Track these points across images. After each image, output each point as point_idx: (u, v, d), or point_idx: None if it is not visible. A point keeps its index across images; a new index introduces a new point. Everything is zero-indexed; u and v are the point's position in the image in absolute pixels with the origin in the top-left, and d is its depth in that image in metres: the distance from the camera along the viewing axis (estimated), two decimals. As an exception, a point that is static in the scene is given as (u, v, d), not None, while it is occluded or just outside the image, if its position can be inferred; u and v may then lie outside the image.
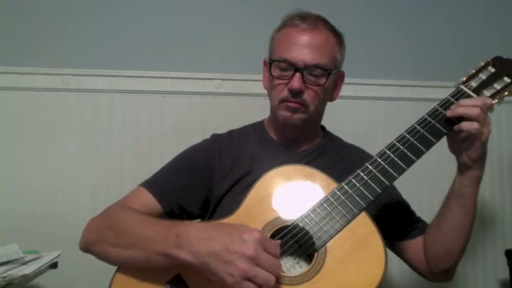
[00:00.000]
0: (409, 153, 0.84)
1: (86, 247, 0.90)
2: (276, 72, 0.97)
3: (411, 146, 0.84)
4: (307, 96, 0.96)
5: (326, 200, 0.83)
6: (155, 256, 0.78)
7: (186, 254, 0.74)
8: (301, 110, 0.97)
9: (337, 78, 1.04)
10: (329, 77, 0.97)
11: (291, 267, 0.83)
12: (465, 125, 0.82)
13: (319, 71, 0.95)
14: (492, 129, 0.84)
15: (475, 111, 0.82)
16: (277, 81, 0.97)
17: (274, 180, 0.87)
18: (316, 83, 0.96)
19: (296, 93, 0.94)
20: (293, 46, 0.95)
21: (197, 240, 0.75)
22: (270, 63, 0.98)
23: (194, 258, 0.74)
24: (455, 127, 0.84)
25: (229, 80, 1.52)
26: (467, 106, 0.83)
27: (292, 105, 0.96)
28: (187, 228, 0.78)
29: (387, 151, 0.85)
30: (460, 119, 0.83)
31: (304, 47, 0.94)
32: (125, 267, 0.84)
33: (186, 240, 0.75)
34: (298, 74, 0.93)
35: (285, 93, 0.96)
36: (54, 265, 1.11)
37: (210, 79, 1.51)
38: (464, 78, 0.91)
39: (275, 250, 0.73)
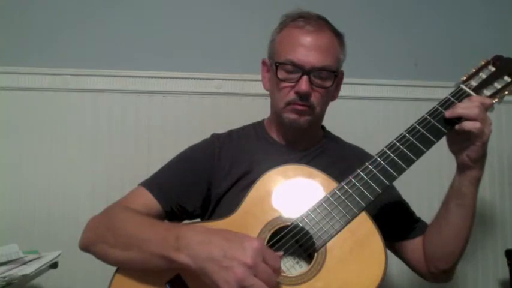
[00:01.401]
0: (409, 153, 0.84)
1: (86, 247, 0.90)
2: (281, 74, 0.96)
3: (411, 145, 0.84)
4: (314, 98, 0.96)
5: (326, 199, 0.83)
6: (153, 258, 0.78)
7: (185, 257, 0.74)
8: (308, 112, 0.97)
9: (338, 79, 1.03)
10: (335, 79, 0.97)
11: (291, 267, 0.83)
12: (467, 125, 0.82)
13: (326, 73, 0.95)
14: (492, 129, 0.84)
15: (474, 111, 0.81)
16: (282, 84, 0.97)
17: (274, 180, 0.87)
18: (322, 86, 0.96)
19: (304, 97, 0.94)
20: (299, 48, 0.94)
21: (197, 243, 0.74)
22: (276, 66, 0.97)
23: (192, 262, 0.73)
24: (457, 126, 0.83)
25: (229, 80, 1.52)
26: (466, 107, 0.83)
27: (300, 108, 0.96)
28: (187, 231, 0.77)
29: (387, 151, 0.85)
30: (460, 118, 0.83)
31: (310, 49, 0.94)
32: (124, 268, 0.84)
33: (185, 242, 0.75)
34: (305, 77, 0.93)
35: (291, 95, 0.96)
36: (54, 265, 1.11)
37: (210, 79, 1.51)
38: (465, 78, 0.91)
39: (275, 262, 0.72)
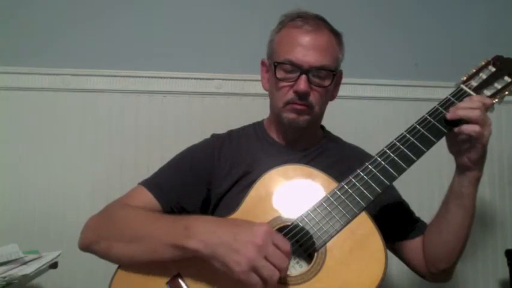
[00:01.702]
0: (409, 153, 0.84)
1: (86, 246, 0.90)
2: (280, 74, 0.96)
3: (411, 145, 0.84)
4: (313, 98, 0.96)
5: (326, 199, 0.83)
6: (162, 248, 0.78)
7: (196, 242, 0.75)
8: (307, 111, 0.97)
9: (337, 78, 1.04)
10: (333, 78, 0.97)
11: (291, 267, 0.83)
12: (466, 128, 0.81)
13: (324, 72, 0.95)
14: (492, 129, 0.83)
15: (475, 114, 0.81)
16: (281, 84, 0.97)
17: (274, 180, 0.87)
18: (321, 85, 0.96)
19: (302, 96, 0.94)
20: (297, 48, 0.94)
21: (206, 231, 0.75)
22: (274, 66, 0.97)
23: (203, 247, 0.74)
24: (456, 129, 0.83)
25: (229, 80, 1.52)
26: (467, 108, 0.82)
27: (299, 107, 0.96)
28: (195, 220, 0.79)
29: (387, 151, 0.85)
30: (461, 120, 0.83)
31: (308, 49, 0.94)
32: (126, 264, 0.84)
33: (195, 230, 0.76)
34: (304, 76, 0.93)
35: (290, 95, 0.96)
36: (54, 265, 1.11)
37: (210, 79, 1.51)
38: (465, 78, 0.91)
39: (284, 245, 0.73)
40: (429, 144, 0.84)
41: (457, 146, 0.86)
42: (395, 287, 1.54)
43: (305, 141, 1.04)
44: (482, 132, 0.81)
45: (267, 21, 1.04)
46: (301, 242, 0.82)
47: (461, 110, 0.83)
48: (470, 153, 0.84)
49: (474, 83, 0.89)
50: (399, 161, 0.83)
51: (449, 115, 0.84)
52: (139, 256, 0.82)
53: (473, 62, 0.93)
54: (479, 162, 0.86)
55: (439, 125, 0.85)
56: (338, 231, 0.80)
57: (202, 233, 0.75)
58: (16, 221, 1.38)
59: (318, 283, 0.76)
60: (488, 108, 0.84)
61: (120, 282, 0.83)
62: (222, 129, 1.11)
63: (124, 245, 0.83)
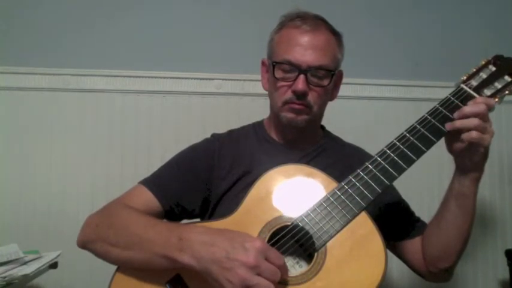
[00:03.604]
0: (409, 153, 0.83)
1: (84, 244, 0.89)
2: (278, 74, 0.97)
3: (411, 145, 0.84)
4: (311, 97, 0.96)
5: (326, 199, 0.83)
6: (156, 258, 0.78)
7: (188, 258, 0.74)
8: (306, 111, 0.97)
9: (337, 78, 1.04)
10: (332, 78, 0.97)
11: (291, 267, 0.83)
12: (464, 136, 0.82)
13: (323, 72, 0.95)
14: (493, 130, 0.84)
15: (473, 123, 0.80)
16: (280, 83, 0.97)
17: (274, 180, 0.87)
18: (319, 85, 0.96)
19: (300, 96, 0.94)
20: (296, 47, 0.94)
21: (199, 244, 0.75)
22: (273, 65, 0.97)
23: (196, 263, 0.74)
24: (459, 136, 0.83)
25: (229, 80, 1.52)
26: (465, 118, 0.82)
27: (297, 107, 0.96)
28: (189, 231, 0.78)
29: (387, 151, 0.85)
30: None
31: (306, 49, 0.94)
32: (124, 267, 0.84)
33: (188, 244, 0.75)
34: (302, 76, 0.93)
35: (288, 95, 0.96)
36: (54, 265, 1.11)
37: (210, 79, 1.51)
38: (465, 77, 0.91)
39: (277, 260, 0.73)
40: (429, 144, 0.84)
41: (457, 147, 0.85)
42: (395, 287, 1.54)
43: (305, 141, 1.04)
44: (482, 137, 0.81)
45: (267, 21, 1.04)
46: (301, 242, 0.82)
47: (459, 121, 0.82)
48: (472, 156, 0.84)
49: (474, 82, 0.89)
50: (399, 160, 0.83)
51: (449, 126, 0.83)
52: (136, 263, 0.82)
53: (473, 62, 0.93)
54: (481, 163, 0.86)
55: (439, 125, 0.85)
56: (338, 231, 0.80)
57: (195, 246, 0.75)
58: (16, 221, 1.38)
59: (318, 283, 0.76)
60: (490, 108, 0.84)
61: (120, 282, 0.83)
62: (222, 129, 1.11)
63: (120, 251, 0.83)
